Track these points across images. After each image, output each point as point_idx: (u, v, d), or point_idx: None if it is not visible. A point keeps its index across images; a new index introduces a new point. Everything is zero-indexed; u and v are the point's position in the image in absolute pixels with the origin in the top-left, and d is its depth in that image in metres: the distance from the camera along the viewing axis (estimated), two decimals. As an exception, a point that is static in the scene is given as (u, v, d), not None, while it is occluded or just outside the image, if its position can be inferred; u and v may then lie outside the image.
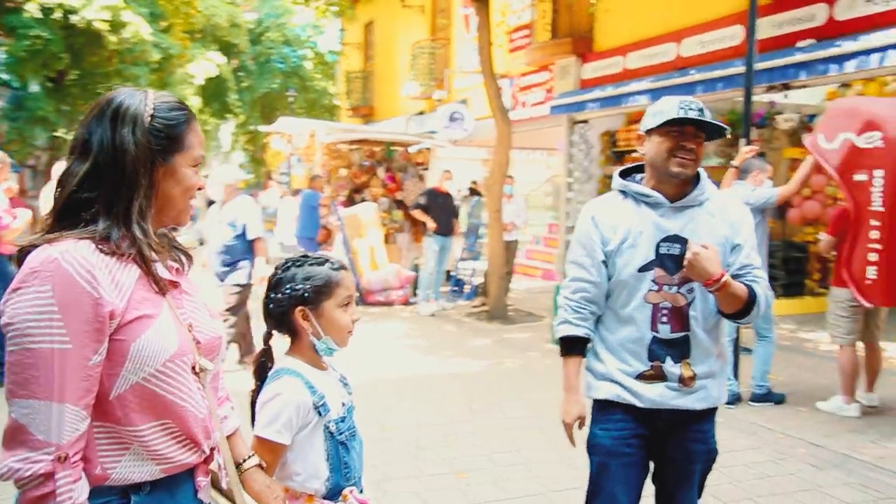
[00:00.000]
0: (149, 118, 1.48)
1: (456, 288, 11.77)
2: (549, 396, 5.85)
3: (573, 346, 2.51)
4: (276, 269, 2.01)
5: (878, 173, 4.72)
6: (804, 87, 8.34)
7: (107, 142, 1.45)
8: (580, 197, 12.72)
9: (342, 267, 2.01)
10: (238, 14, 20.39)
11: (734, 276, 2.35)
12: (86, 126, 1.48)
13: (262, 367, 2.01)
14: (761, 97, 9.05)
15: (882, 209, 4.71)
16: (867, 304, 4.97)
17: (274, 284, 1.97)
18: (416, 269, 11.53)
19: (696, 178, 2.45)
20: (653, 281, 2.38)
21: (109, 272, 1.41)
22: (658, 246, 2.38)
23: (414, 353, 7.71)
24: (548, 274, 13.55)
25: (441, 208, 10.26)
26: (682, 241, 2.36)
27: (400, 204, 12.59)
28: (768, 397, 5.73)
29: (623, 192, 2.51)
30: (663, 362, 2.38)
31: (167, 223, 1.60)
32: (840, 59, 7.50)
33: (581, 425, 2.50)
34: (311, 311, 1.93)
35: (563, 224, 12.89)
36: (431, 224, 10.09)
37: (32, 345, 1.32)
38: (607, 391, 2.46)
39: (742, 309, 2.36)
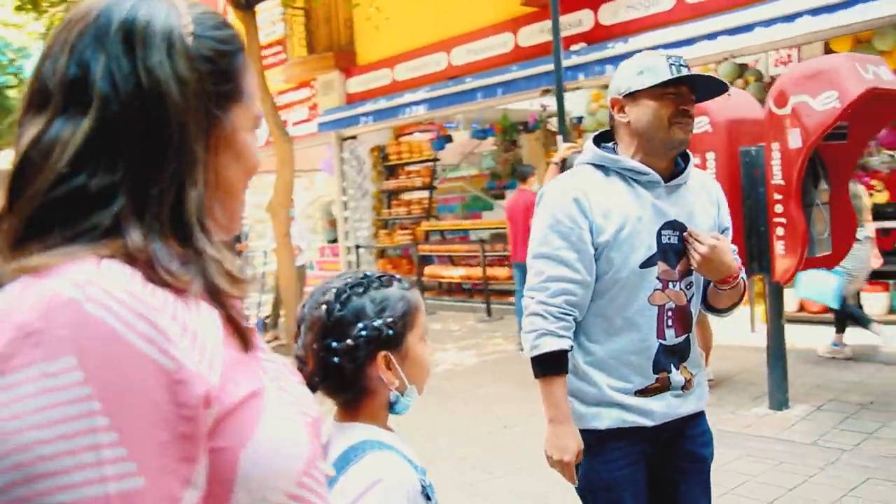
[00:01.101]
0: (189, 38, 0.78)
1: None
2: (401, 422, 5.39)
3: (558, 363, 1.98)
4: (321, 302, 1.30)
5: (711, 156, 4.94)
6: (578, 88, 8.76)
7: (123, 79, 0.73)
8: (357, 214, 12.37)
9: (411, 283, 1.41)
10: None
11: None
12: (70, 53, 0.75)
13: None
14: (533, 101, 9.39)
15: (717, 189, 4.94)
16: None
17: (331, 327, 1.28)
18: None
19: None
20: (657, 278, 2.00)
21: (175, 318, 0.69)
22: (659, 234, 2.00)
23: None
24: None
25: (220, 237, 9.29)
26: (680, 228, 2.02)
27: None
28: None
29: (602, 168, 2.06)
30: (669, 372, 2.03)
31: (221, 231, 0.85)
32: (614, 60, 7.96)
33: (579, 459, 2.01)
34: (394, 355, 1.31)
35: (342, 244, 12.43)
36: None
37: (60, 494, 0.60)
38: (611, 418, 2.02)
39: (736, 301, 2.14)
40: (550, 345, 1.96)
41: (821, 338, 6.47)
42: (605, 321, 2.02)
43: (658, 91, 1.96)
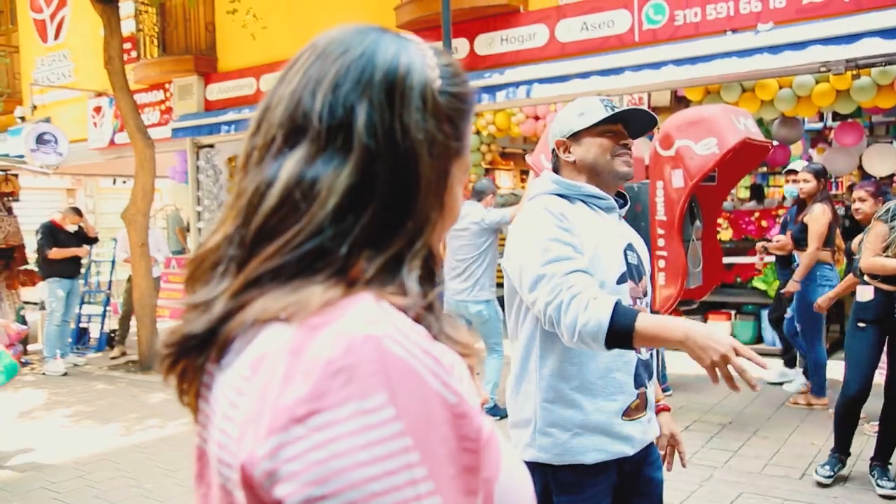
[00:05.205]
0: (439, 94, 0.77)
1: (70, 339, 9.92)
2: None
3: (626, 313, 1.78)
4: None
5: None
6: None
7: (384, 133, 0.72)
8: (211, 226, 11.82)
9: None
10: None
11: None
12: (333, 89, 0.73)
13: None
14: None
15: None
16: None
17: None
18: (22, 320, 9.39)
19: None
20: (629, 295, 2.12)
21: (444, 352, 0.72)
22: (625, 254, 2.14)
23: (87, 423, 6.24)
24: (178, 313, 12.25)
25: (65, 247, 8.57)
26: (634, 250, 2.18)
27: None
28: (495, 412, 5.80)
29: (565, 196, 2.13)
30: (646, 388, 2.14)
31: None
32: (490, 90, 8.23)
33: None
34: None
35: (194, 256, 11.83)
36: (82, 251, 8.57)
37: None
38: (596, 450, 2.03)
39: None
40: (605, 305, 1.79)
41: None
42: None
43: (598, 129, 2.11)
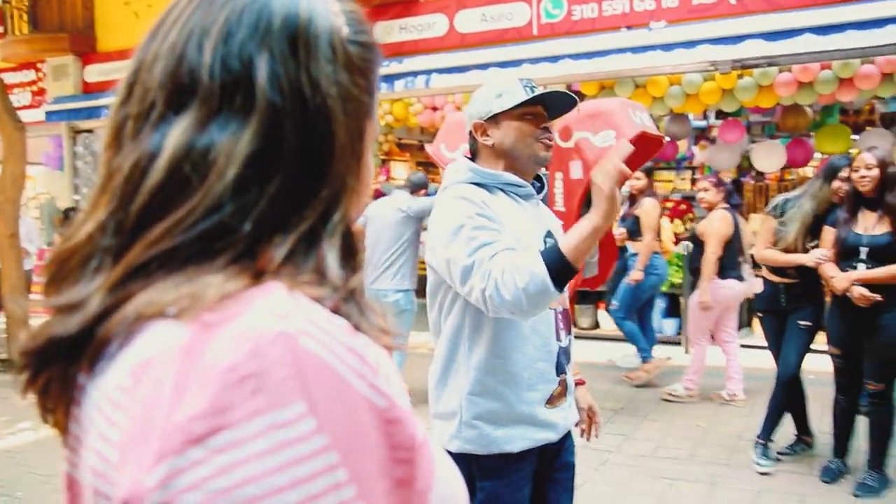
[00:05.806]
0: (348, 43, 0.67)
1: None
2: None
3: (552, 250, 1.79)
4: None
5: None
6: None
7: (289, 87, 0.62)
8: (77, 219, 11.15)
9: None
10: None
11: None
12: (224, 39, 0.61)
13: None
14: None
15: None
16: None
17: None
18: None
19: None
20: None
21: (369, 348, 0.62)
22: (545, 242, 2.10)
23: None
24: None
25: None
26: (552, 236, 2.14)
27: None
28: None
29: (483, 185, 2.06)
30: (566, 374, 2.14)
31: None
32: (388, 79, 8.12)
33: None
34: None
35: (71, 247, 11.12)
36: None
37: None
38: (523, 438, 2.03)
39: None
40: (533, 259, 1.78)
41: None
42: (512, 331, 2.01)
43: (517, 112, 2.06)
